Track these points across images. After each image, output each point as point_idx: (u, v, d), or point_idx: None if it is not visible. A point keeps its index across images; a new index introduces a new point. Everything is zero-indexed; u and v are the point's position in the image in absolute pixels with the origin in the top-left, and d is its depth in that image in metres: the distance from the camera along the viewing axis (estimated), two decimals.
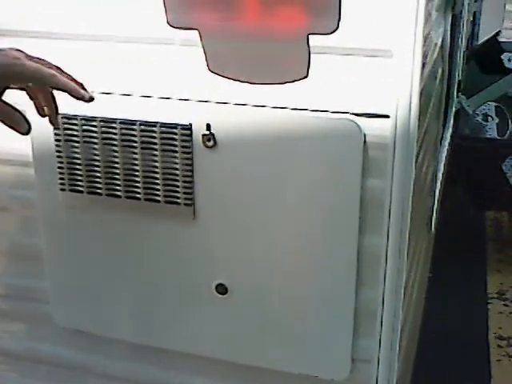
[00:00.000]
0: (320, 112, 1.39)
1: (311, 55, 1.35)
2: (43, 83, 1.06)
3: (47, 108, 1.13)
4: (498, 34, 4.73)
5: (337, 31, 1.31)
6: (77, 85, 1.08)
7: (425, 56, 1.39)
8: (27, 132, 1.06)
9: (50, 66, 1.09)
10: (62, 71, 1.10)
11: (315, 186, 1.44)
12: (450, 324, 3.08)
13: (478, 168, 3.56)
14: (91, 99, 1.07)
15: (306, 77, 1.37)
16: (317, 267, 1.51)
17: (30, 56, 1.07)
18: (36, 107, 1.11)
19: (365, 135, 1.37)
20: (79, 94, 1.06)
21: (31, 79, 1.06)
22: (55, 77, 1.05)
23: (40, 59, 1.08)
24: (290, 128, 1.42)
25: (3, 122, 1.08)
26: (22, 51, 1.08)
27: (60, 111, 1.53)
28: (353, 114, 1.37)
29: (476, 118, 3.52)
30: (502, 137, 3.52)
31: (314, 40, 1.34)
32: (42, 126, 1.56)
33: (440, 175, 2.47)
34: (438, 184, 2.40)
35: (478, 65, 4.31)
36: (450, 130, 2.95)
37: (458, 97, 3.27)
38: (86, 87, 1.10)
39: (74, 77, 1.11)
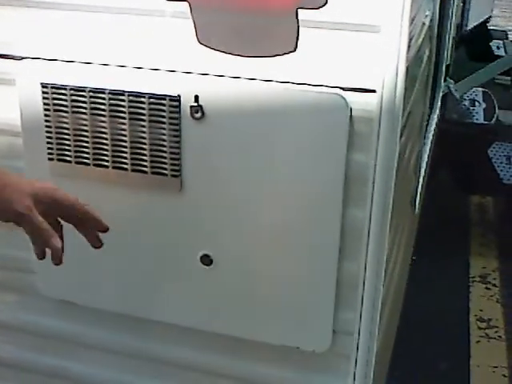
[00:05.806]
0: (307, 85, 1.40)
1: (300, 29, 1.37)
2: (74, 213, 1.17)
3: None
4: (487, 21, 4.74)
5: (326, 6, 1.33)
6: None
7: (412, 33, 1.40)
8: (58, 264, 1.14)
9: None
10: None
11: (301, 158, 1.46)
12: (432, 305, 3.13)
13: (465, 152, 3.60)
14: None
15: (294, 50, 1.39)
16: (300, 239, 1.53)
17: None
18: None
19: (351, 109, 1.39)
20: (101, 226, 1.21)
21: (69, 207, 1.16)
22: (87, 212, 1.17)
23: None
24: (277, 101, 1.43)
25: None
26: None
27: (49, 81, 1.56)
28: (340, 87, 1.38)
29: (463, 103, 3.54)
30: (488, 122, 3.55)
31: (303, 14, 1.35)
32: (30, 95, 1.58)
33: (425, 157, 2.49)
34: (423, 165, 2.43)
35: (467, 52, 4.33)
36: (437, 113, 2.98)
37: (445, 81, 3.30)
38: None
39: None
